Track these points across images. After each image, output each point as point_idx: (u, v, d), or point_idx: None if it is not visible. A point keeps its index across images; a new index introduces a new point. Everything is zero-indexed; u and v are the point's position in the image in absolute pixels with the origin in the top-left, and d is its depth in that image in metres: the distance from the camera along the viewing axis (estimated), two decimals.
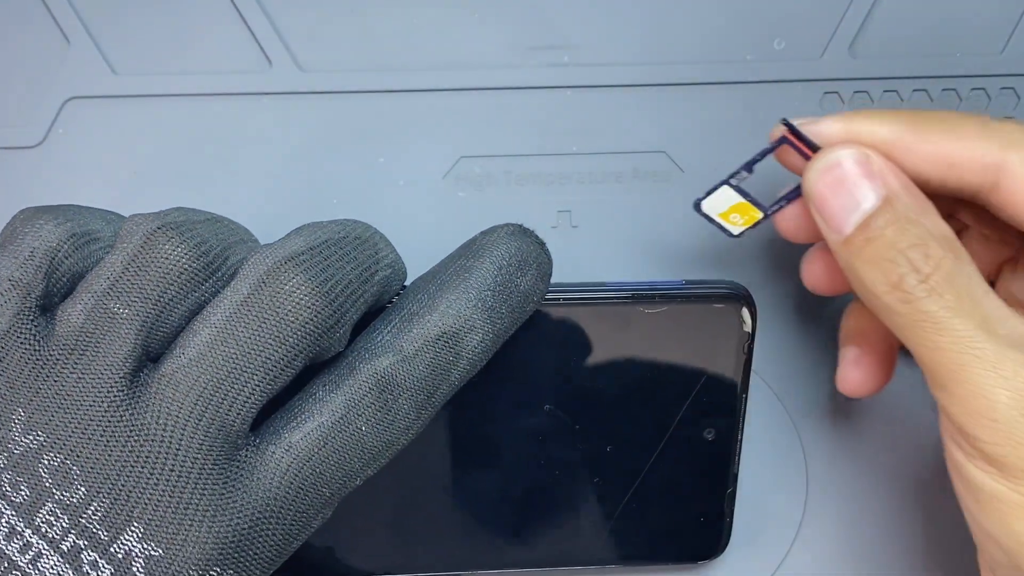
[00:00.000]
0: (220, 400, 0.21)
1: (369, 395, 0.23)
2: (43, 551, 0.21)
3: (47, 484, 0.21)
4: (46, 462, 0.21)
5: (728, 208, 0.26)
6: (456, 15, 0.30)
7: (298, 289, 0.22)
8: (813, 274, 0.28)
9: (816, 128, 0.25)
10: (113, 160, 0.30)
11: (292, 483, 0.22)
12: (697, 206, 0.27)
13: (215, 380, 0.21)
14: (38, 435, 0.21)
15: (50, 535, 0.21)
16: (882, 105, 0.30)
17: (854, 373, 0.28)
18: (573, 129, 0.30)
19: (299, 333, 0.22)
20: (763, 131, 0.30)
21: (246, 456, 0.22)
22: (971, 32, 0.30)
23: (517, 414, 0.28)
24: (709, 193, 0.26)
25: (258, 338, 0.22)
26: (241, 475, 0.22)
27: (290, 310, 0.22)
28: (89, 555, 0.21)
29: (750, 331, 0.28)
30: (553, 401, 0.28)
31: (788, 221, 0.26)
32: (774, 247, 0.31)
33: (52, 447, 0.21)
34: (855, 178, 0.23)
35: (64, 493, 0.21)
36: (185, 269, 0.22)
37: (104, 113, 0.30)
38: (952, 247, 0.23)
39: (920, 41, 0.30)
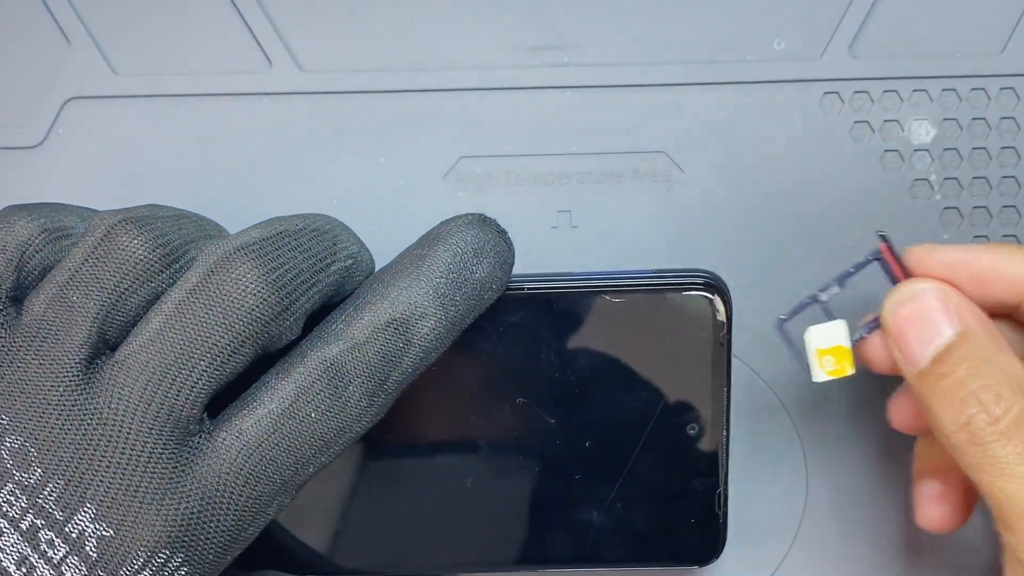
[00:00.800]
0: (168, 385, 0.22)
1: (319, 382, 0.23)
2: (4, 529, 0.22)
3: (8, 465, 0.22)
4: (8, 444, 0.22)
5: (829, 347, 0.26)
6: (456, 15, 0.30)
7: (245, 276, 0.23)
8: (900, 414, 0.28)
9: (938, 256, 0.25)
10: (113, 160, 0.30)
11: (242, 469, 0.23)
12: (780, 324, 0.26)
13: (163, 365, 0.22)
14: (1, 419, 0.22)
15: (11, 514, 0.22)
16: (882, 105, 0.30)
17: (938, 510, 0.28)
18: (573, 129, 0.30)
19: (245, 320, 0.22)
20: (763, 131, 0.30)
21: (198, 442, 0.23)
22: (971, 32, 0.30)
23: (488, 408, 0.28)
24: (796, 312, 0.26)
25: (205, 324, 0.22)
26: (192, 460, 0.22)
27: (236, 297, 0.22)
28: (46, 534, 0.22)
29: (724, 320, 0.27)
30: (526, 394, 0.28)
31: (870, 351, 0.26)
32: (775, 246, 0.31)
33: (14, 430, 0.22)
34: (933, 311, 0.24)
35: (23, 474, 0.22)
36: (141, 260, 0.23)
37: (104, 113, 0.30)
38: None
39: (920, 41, 0.30)
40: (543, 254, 0.30)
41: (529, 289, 0.27)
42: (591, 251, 0.31)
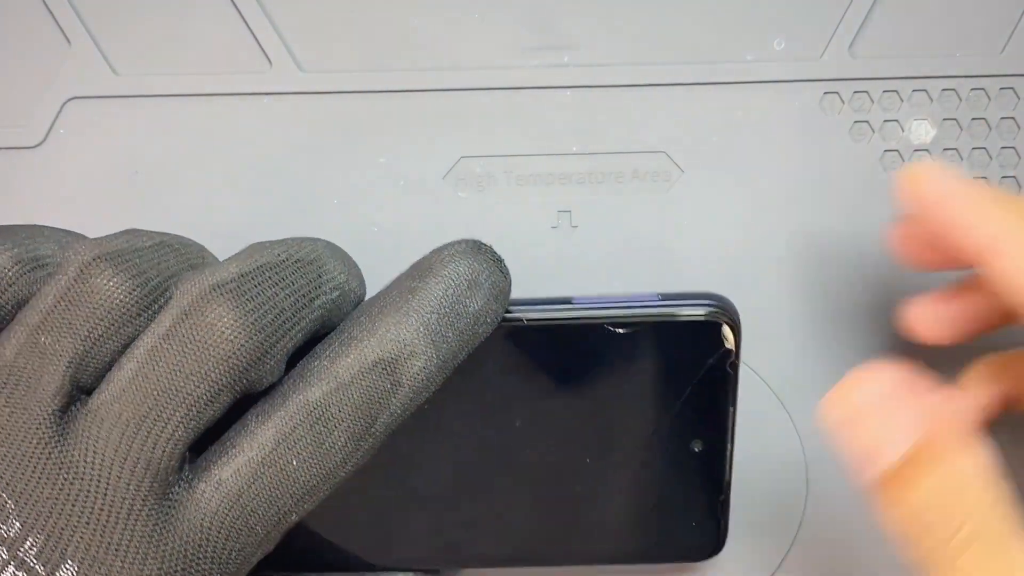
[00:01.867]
0: (144, 437, 0.21)
1: (300, 427, 0.22)
2: None
3: None
4: None
5: None
6: (456, 15, 0.30)
7: (220, 320, 0.21)
8: (923, 322, 0.26)
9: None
10: (113, 160, 0.30)
11: (223, 523, 0.22)
12: None
13: (137, 416, 0.21)
14: None
15: None
16: (882, 105, 0.30)
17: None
18: (573, 129, 0.30)
19: (222, 367, 0.21)
20: (763, 131, 0.30)
21: (178, 493, 0.22)
22: (971, 32, 0.30)
23: (490, 428, 0.28)
24: None
25: (178, 373, 0.21)
26: (173, 514, 0.21)
27: (211, 343, 0.21)
28: None
29: (732, 347, 0.26)
30: (528, 417, 0.27)
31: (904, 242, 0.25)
32: (775, 246, 0.31)
33: None
34: (887, 423, 0.22)
35: (2, 526, 0.21)
36: (116, 304, 0.21)
37: (104, 113, 0.30)
38: (985, 498, 0.21)
39: (920, 41, 0.30)
40: (543, 254, 0.30)
41: (529, 321, 0.26)
42: (591, 251, 0.31)
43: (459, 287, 0.23)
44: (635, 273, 0.31)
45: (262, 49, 0.30)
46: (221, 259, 0.24)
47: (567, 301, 0.27)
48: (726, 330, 0.26)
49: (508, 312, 0.26)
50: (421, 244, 0.30)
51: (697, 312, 0.26)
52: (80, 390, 0.22)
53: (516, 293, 0.30)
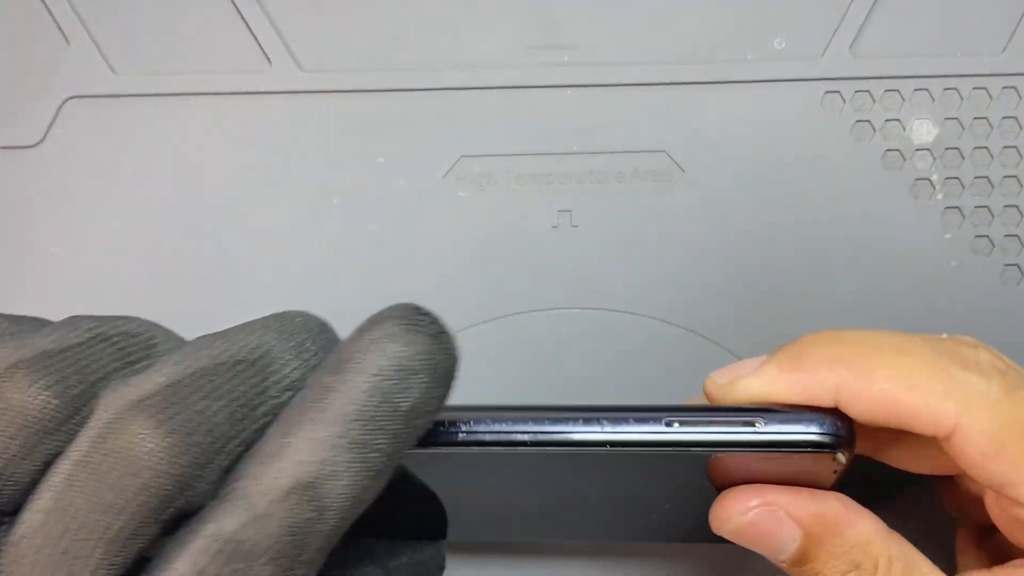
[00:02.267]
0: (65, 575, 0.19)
1: (214, 563, 0.19)
2: None
3: None
4: None
5: None
6: (456, 14, 0.30)
7: (141, 444, 0.18)
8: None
9: (753, 383, 0.24)
10: (113, 160, 0.30)
11: None
12: None
13: (56, 554, 0.19)
14: None
15: None
16: (883, 104, 0.30)
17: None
18: (573, 129, 0.30)
19: (142, 496, 0.19)
20: (763, 131, 0.30)
21: None
22: (972, 31, 0.30)
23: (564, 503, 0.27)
24: None
25: (96, 506, 0.19)
26: None
27: (130, 470, 0.18)
28: None
29: (845, 463, 0.23)
30: (596, 483, 0.26)
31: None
32: (775, 245, 0.31)
33: None
34: (770, 533, 0.24)
35: None
36: (30, 420, 0.19)
37: (104, 113, 0.30)
38: (885, 549, 0.24)
39: (922, 40, 0.30)
40: (543, 254, 0.30)
41: (612, 447, 0.22)
42: (591, 251, 0.31)
43: (387, 380, 0.19)
44: (635, 273, 0.30)
45: (262, 48, 0.30)
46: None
47: (656, 411, 0.23)
48: (840, 456, 0.23)
49: (592, 426, 0.22)
50: (421, 245, 0.30)
51: (814, 442, 0.23)
52: (3, 513, 0.19)
53: (514, 296, 0.30)
